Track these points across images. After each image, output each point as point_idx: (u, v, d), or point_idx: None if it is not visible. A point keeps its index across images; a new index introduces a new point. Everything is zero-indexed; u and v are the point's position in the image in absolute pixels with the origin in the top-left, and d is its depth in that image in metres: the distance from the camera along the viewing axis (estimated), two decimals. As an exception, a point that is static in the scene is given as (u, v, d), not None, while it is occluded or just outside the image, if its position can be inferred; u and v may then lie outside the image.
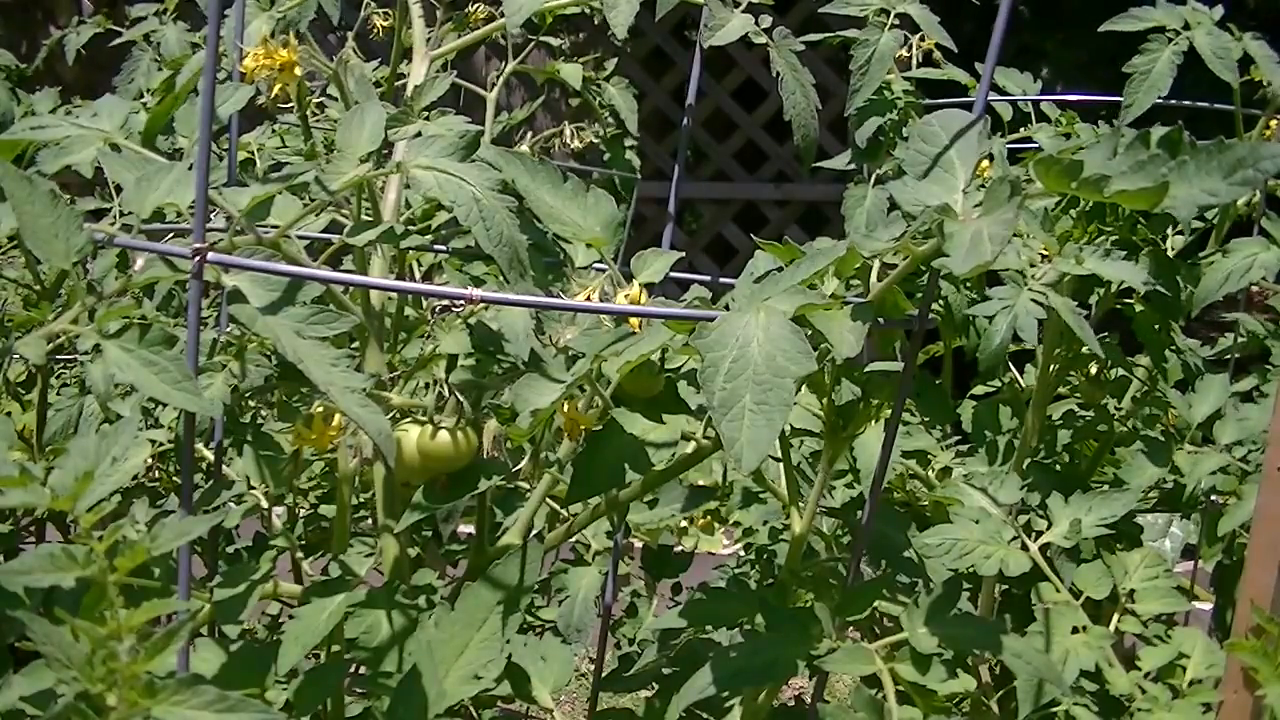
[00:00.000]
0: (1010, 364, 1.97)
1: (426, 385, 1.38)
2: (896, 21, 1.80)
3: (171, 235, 1.43)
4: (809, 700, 1.33)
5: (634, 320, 1.21)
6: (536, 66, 2.91)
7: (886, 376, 1.25)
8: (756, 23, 1.56)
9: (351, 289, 1.33)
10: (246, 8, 1.52)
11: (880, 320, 1.13)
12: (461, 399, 1.27)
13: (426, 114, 1.33)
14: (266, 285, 1.14)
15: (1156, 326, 1.82)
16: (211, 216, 1.15)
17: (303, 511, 1.91)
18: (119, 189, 1.61)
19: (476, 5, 1.89)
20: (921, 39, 2.03)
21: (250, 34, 1.51)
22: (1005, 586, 1.75)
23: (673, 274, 1.34)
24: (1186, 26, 1.87)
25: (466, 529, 1.59)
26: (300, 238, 1.32)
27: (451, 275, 1.75)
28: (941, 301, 1.79)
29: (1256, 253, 1.79)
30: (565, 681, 1.58)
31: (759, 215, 5.64)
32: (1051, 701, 1.45)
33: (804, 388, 1.27)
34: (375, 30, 2.12)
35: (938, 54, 2.06)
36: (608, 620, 1.81)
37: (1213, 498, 1.82)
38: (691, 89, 1.64)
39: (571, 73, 2.82)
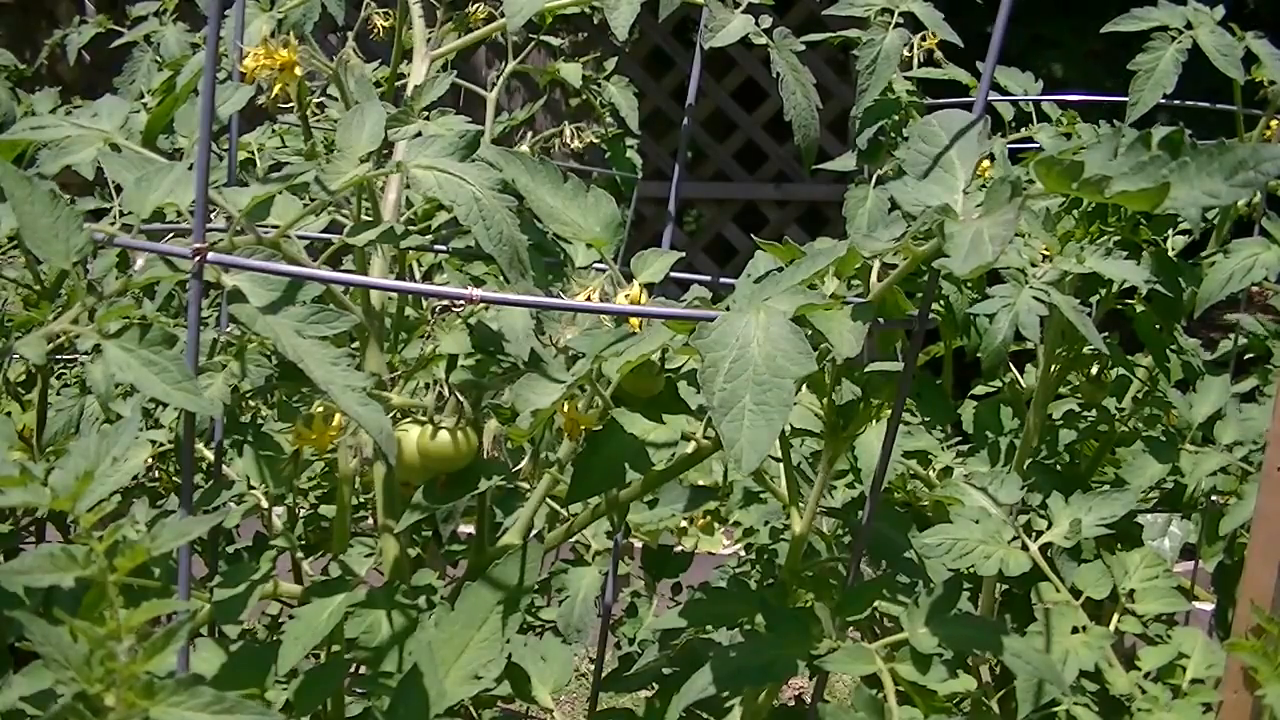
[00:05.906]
0: (1011, 364, 1.97)
1: (426, 385, 1.37)
2: (900, 20, 1.80)
3: (171, 235, 1.43)
4: (809, 700, 1.33)
5: (634, 320, 1.21)
6: (536, 66, 2.91)
7: (886, 376, 1.25)
8: (756, 23, 1.56)
9: (351, 289, 1.33)
10: (246, 8, 1.52)
11: (880, 320, 1.13)
12: (461, 399, 1.26)
13: (426, 114, 1.33)
14: (266, 285, 1.14)
15: (1158, 326, 1.82)
16: (211, 216, 1.15)
17: (303, 511, 1.91)
18: (119, 189, 1.61)
19: (476, 5, 1.89)
20: (923, 38, 2.02)
21: (250, 34, 1.51)
22: (1005, 586, 1.75)
23: (673, 274, 1.34)
24: (1189, 26, 1.87)
25: (466, 529, 1.59)
26: (300, 238, 1.32)
27: (451, 275, 1.75)
28: (942, 301, 1.79)
29: (1258, 253, 1.79)
30: (565, 681, 1.58)
31: (759, 215, 5.63)
32: (1052, 701, 1.45)
33: (804, 388, 1.27)
34: (375, 30, 2.11)
35: (939, 54, 2.06)
36: (608, 620, 1.81)
37: (1213, 498, 1.82)
38: (691, 89, 1.64)
39: (571, 72, 2.83)
